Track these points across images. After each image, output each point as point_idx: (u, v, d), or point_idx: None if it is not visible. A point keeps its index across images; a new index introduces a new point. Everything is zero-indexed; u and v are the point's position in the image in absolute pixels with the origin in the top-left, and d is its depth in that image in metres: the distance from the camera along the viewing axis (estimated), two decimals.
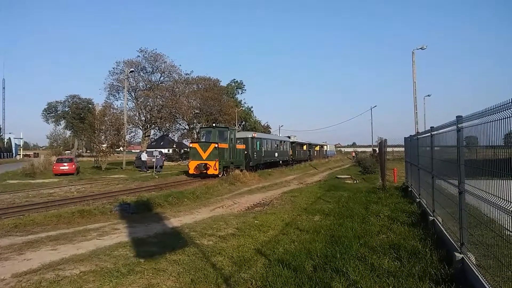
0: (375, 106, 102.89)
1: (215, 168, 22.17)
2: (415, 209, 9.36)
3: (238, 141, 26.58)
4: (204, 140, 24.40)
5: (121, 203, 12.61)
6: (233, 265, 5.57)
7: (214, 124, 28.19)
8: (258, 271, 5.21)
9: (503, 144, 3.57)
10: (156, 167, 27.65)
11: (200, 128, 35.74)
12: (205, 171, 22.29)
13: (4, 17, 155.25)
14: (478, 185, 4.15)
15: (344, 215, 9.47)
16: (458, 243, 4.96)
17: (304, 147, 49.90)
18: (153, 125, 51.07)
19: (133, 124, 47.41)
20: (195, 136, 53.25)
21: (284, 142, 39.18)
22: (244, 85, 73.62)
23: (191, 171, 23.00)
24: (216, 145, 22.67)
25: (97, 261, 5.86)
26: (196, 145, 23.58)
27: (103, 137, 32.99)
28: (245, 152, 27.64)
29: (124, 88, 41.49)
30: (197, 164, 22.47)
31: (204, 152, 22.63)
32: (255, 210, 11.71)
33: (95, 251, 6.63)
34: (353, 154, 71.08)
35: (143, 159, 37.09)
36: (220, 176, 22.21)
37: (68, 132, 77.15)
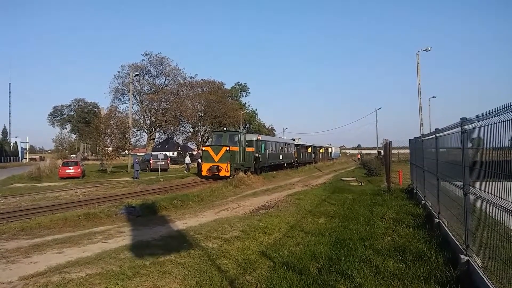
0: (380, 108, 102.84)
1: (226, 170, 22.92)
2: (420, 211, 9.31)
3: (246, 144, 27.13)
4: (216, 144, 25.10)
5: (127, 206, 12.69)
6: (238, 268, 5.58)
7: (225, 128, 28.98)
8: (263, 273, 5.21)
9: (509, 146, 3.54)
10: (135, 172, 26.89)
11: (212, 132, 36.53)
12: (217, 173, 23.01)
13: (9, 22, 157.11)
14: (483, 187, 4.13)
15: (349, 217, 9.45)
16: (463, 245, 4.93)
17: (309, 150, 49.78)
18: (158, 128, 51.44)
19: (138, 127, 47.77)
20: (200, 139, 53.47)
21: (289, 144, 39.19)
22: (248, 88, 73.99)
23: (203, 173, 23.73)
24: (228, 148, 23.40)
25: (103, 263, 5.90)
26: (208, 148, 24.45)
27: (108, 140, 33.17)
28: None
29: (129, 92, 41.83)
30: (210, 166, 23.22)
31: (216, 155, 23.40)
32: (259, 213, 11.73)
33: (101, 254, 6.67)
34: (359, 156, 70.69)
35: (186, 161, 36.92)
36: (231, 177, 22.71)
37: (74, 136, 77.55)
